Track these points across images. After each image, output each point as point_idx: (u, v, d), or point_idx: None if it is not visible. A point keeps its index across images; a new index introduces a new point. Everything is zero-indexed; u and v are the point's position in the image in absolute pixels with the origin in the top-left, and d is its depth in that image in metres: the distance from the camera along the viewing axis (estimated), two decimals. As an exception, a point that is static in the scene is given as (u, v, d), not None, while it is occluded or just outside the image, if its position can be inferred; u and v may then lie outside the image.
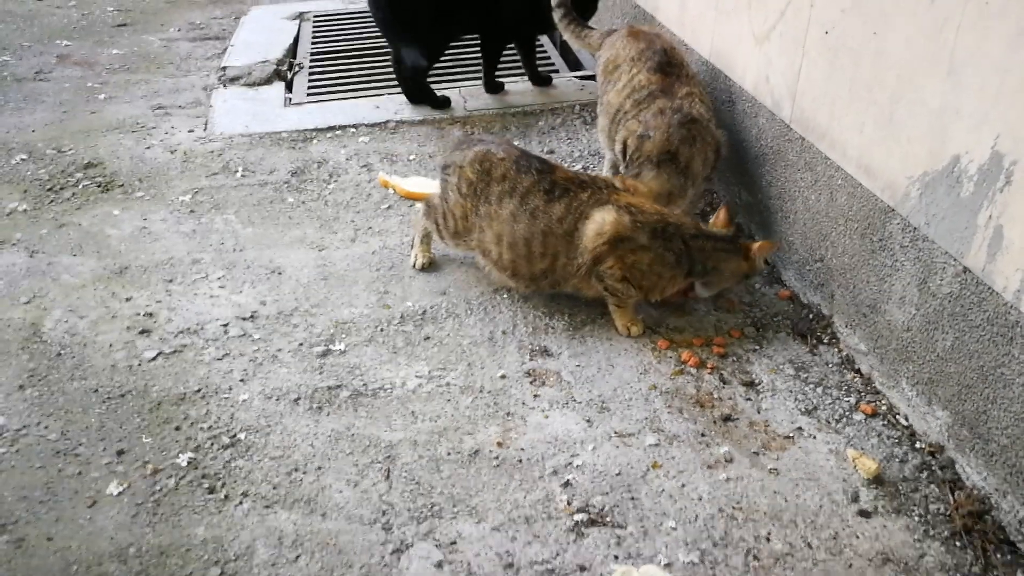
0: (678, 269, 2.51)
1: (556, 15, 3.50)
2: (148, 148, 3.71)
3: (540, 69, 4.23)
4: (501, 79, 4.17)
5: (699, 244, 2.51)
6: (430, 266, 2.89)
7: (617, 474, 2.09)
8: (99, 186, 3.42)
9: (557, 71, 4.46)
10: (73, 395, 2.35)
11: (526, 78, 4.21)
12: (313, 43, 4.85)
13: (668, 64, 2.96)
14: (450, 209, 2.71)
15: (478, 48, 4.55)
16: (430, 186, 3.23)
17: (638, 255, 2.47)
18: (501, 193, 2.60)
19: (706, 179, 2.92)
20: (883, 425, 2.23)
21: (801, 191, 2.65)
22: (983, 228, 1.91)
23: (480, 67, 4.45)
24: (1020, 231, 1.82)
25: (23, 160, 3.61)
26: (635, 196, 2.58)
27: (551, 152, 3.59)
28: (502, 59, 4.15)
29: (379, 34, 4.05)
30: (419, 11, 3.76)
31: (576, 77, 4.33)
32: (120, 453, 2.16)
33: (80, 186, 3.42)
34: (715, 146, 2.87)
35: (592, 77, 4.24)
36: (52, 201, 3.31)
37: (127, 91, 4.31)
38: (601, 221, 2.47)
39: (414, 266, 2.88)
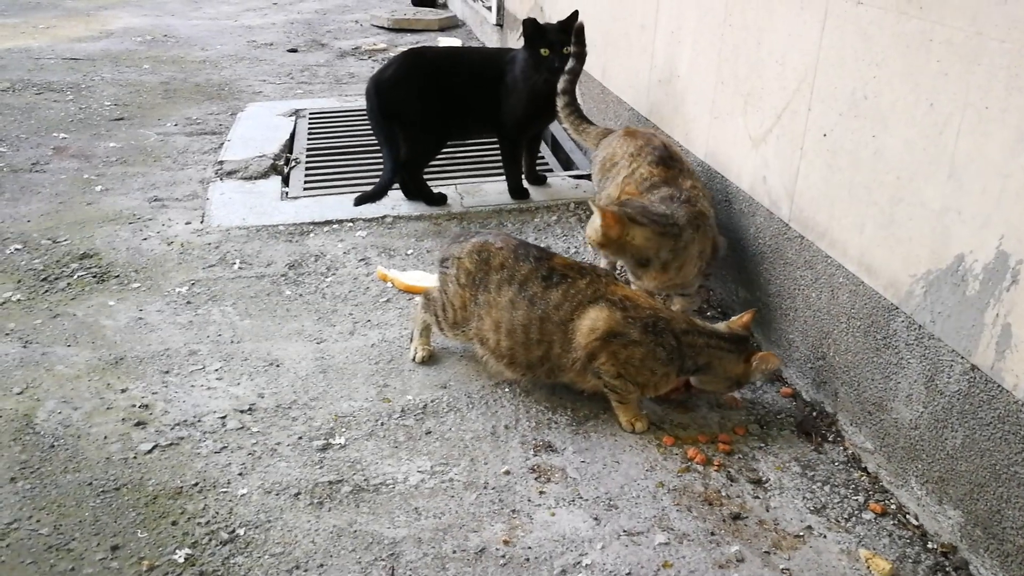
0: (670, 365, 2.51)
1: (560, 102, 3.58)
2: (145, 240, 3.71)
3: (537, 168, 4.30)
4: (496, 176, 4.22)
5: (690, 340, 2.51)
6: (430, 359, 2.87)
7: (627, 574, 2.04)
8: (94, 277, 3.40)
9: (551, 170, 4.54)
10: (66, 488, 2.29)
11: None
12: (309, 139, 4.92)
13: (669, 158, 3.03)
14: (449, 300, 2.72)
15: (475, 146, 4.66)
16: (429, 280, 3.24)
17: (630, 350, 2.48)
18: (500, 281, 2.62)
19: (698, 275, 2.93)
20: (894, 524, 2.21)
21: (801, 289, 2.68)
22: (991, 326, 1.94)
23: (478, 165, 4.54)
24: (1029, 329, 1.84)
25: (17, 250, 3.60)
26: (630, 289, 2.61)
27: (547, 248, 3.62)
28: (491, 157, 4.16)
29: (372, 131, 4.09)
30: (413, 106, 3.84)
31: (570, 176, 4.41)
32: (114, 548, 2.09)
33: (75, 277, 3.40)
34: (712, 244, 2.91)
35: (586, 176, 4.33)
36: (47, 291, 3.29)
37: (124, 183, 4.34)
38: (594, 318, 2.49)
39: (414, 359, 2.87)
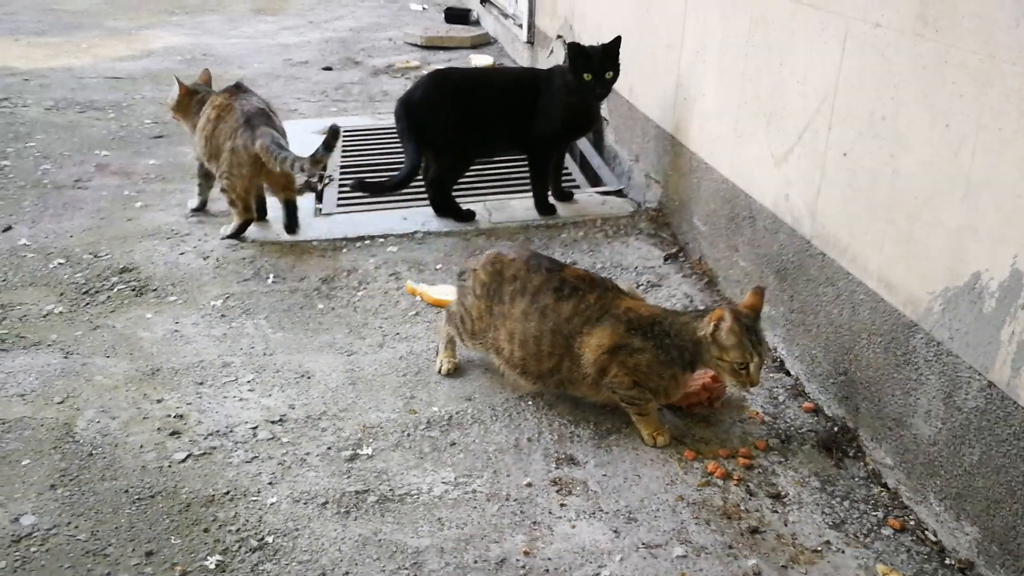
0: (676, 366, 2.53)
1: None
2: (182, 254, 3.82)
3: (563, 185, 4.35)
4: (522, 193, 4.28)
5: (678, 325, 2.53)
6: (455, 372, 2.93)
7: (645, 585, 2.08)
8: (133, 290, 3.51)
9: (578, 186, 4.59)
10: (104, 495, 2.37)
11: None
12: (343, 156, 5.02)
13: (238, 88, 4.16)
14: (467, 311, 2.80)
15: (502, 164, 4.73)
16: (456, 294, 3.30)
17: (636, 357, 2.52)
18: (513, 292, 2.68)
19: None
20: (912, 540, 2.22)
21: (823, 305, 2.71)
22: (1007, 343, 1.96)
23: (505, 182, 4.61)
24: (1043, 347, 1.86)
25: (60, 264, 3.72)
26: (633, 301, 2.66)
27: (573, 264, 3.67)
28: (518, 175, 4.22)
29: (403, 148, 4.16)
30: (440, 127, 3.91)
31: (597, 192, 4.46)
32: (149, 554, 2.17)
33: (115, 290, 3.51)
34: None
35: (614, 193, 4.39)
36: (87, 304, 3.40)
37: (163, 199, 4.46)
38: (600, 336, 2.56)
39: (440, 372, 2.93)
